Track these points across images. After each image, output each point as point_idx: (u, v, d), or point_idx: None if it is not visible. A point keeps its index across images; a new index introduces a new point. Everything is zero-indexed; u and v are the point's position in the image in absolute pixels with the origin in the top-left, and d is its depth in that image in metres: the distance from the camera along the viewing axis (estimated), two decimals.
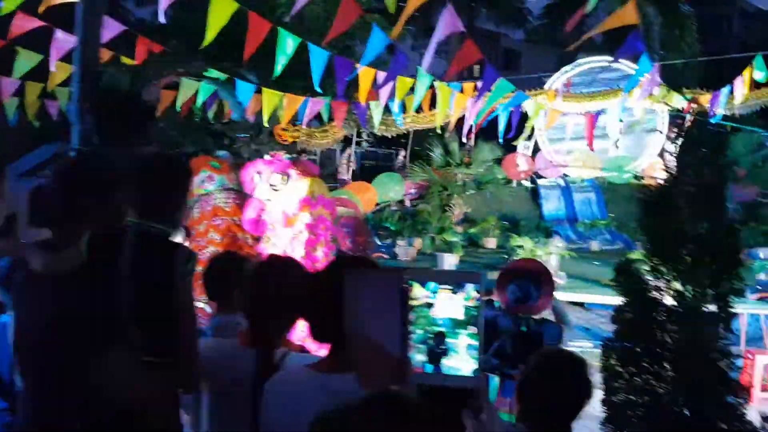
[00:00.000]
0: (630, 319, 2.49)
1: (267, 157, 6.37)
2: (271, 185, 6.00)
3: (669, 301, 2.41)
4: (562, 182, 17.62)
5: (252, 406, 2.05)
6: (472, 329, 1.47)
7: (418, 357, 1.50)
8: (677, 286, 2.33)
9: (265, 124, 7.95)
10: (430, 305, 1.51)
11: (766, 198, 15.41)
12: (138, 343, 1.93)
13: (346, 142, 18.13)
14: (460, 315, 1.49)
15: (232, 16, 5.00)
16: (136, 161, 2.19)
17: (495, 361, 3.73)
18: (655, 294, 2.40)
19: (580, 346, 9.22)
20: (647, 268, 2.43)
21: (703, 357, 2.22)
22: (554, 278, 8.59)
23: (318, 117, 9.53)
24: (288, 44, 5.76)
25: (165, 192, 2.17)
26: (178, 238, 5.81)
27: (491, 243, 14.35)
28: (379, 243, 11.23)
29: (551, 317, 4.16)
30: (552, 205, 17.17)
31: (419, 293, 1.51)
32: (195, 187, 7.60)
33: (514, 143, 13.90)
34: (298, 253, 5.89)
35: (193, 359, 2.08)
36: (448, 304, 1.50)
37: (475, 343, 1.47)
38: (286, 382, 2.05)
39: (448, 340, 1.49)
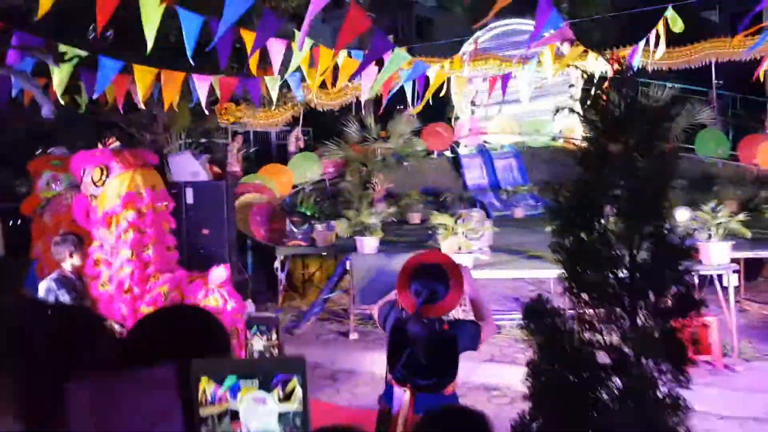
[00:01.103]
0: (546, 387, 1.76)
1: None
2: (92, 180, 5.42)
3: (604, 357, 1.73)
4: (482, 150, 17.37)
5: None
6: None
7: None
8: (612, 337, 1.73)
9: (141, 104, 7.10)
10: (232, 414, 0.93)
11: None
12: None
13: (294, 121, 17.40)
14: (277, 426, 0.92)
15: None
16: None
17: (403, 373, 3.20)
18: (582, 348, 1.71)
19: (512, 318, 8.99)
20: (569, 310, 1.83)
21: None
22: (479, 256, 8.28)
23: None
24: (151, 10, 4.96)
25: None
26: (69, 256, 5.06)
27: (416, 218, 13.95)
28: (295, 230, 10.59)
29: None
30: (474, 174, 16.92)
31: (213, 394, 0.93)
32: (41, 190, 6.84)
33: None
34: (124, 255, 5.37)
35: None
36: (257, 410, 0.92)
37: None
38: None
39: None
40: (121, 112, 8.70)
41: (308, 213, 10.91)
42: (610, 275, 1.71)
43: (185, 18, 5.30)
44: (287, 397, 0.91)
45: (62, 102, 8.40)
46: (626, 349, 1.70)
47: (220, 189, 9.28)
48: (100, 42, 6.02)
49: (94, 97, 7.00)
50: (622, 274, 1.72)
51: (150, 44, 5.15)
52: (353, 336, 8.45)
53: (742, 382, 6.45)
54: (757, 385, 6.35)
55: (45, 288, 4.99)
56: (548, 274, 8.46)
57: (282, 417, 0.91)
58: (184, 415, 0.92)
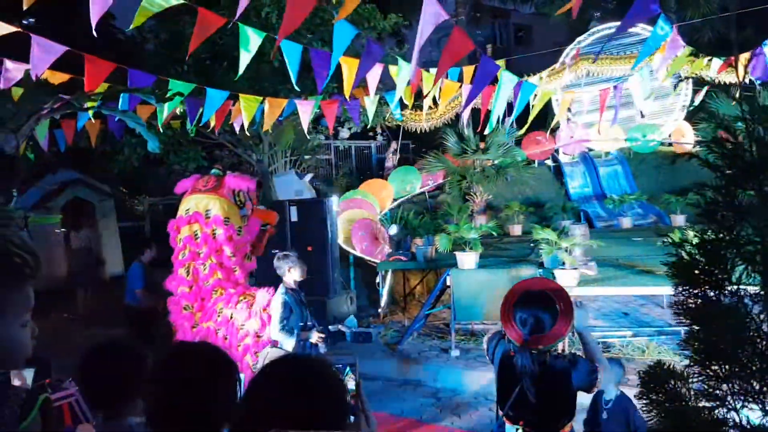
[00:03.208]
0: None
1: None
2: None
3: None
4: (585, 157, 16.79)
5: None
6: None
7: None
8: (749, 415, 1.50)
9: (247, 131, 7.38)
10: None
11: None
12: None
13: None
14: None
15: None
16: None
17: (515, 410, 3.07)
18: (714, 428, 1.47)
19: (621, 336, 8.58)
20: (696, 380, 1.60)
21: None
22: (585, 272, 7.97)
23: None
24: (251, 40, 5.18)
25: None
26: (288, 271, 5.39)
27: (517, 230, 13.68)
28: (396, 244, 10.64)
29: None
30: (577, 183, 16.38)
31: None
32: None
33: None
34: (181, 273, 5.70)
35: None
36: None
37: None
38: None
39: None
40: (216, 133, 9.09)
41: (408, 227, 10.90)
42: (746, 345, 1.50)
43: (286, 47, 5.48)
44: None
45: (172, 126, 8.88)
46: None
47: (322, 206, 9.50)
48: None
49: (201, 124, 7.35)
50: (759, 342, 1.51)
51: (241, 70, 5.37)
52: (455, 353, 8.36)
53: None
54: None
55: (281, 302, 5.38)
56: (660, 290, 8.01)
57: None
58: None
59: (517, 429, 3.06)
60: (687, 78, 13.28)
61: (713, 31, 16.51)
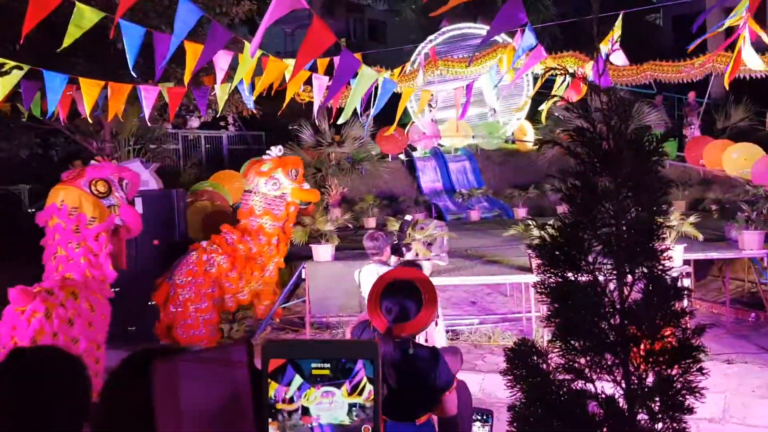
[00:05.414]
0: None
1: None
2: None
3: (595, 408, 1.60)
4: (436, 153, 17.42)
5: None
6: None
7: None
8: (604, 387, 1.63)
9: (89, 118, 6.84)
10: (303, 409, 0.96)
11: None
12: None
13: None
14: (347, 419, 0.96)
15: None
16: None
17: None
18: (572, 398, 1.57)
19: (469, 323, 8.97)
20: (557, 355, 1.72)
21: None
22: (437, 263, 8.24)
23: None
24: (86, 17, 4.81)
25: None
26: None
27: (371, 223, 13.88)
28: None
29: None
30: (429, 177, 16.97)
31: (280, 396, 0.97)
32: None
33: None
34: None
35: None
36: (327, 405, 0.95)
37: None
38: None
39: None
40: (64, 122, 8.35)
41: None
42: (601, 320, 1.60)
43: (127, 29, 5.15)
44: (356, 389, 0.96)
45: (1, 110, 8.03)
46: (619, 400, 1.61)
47: (171, 198, 9.02)
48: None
49: (47, 116, 6.73)
50: (613, 317, 1.62)
51: (66, 43, 4.96)
52: None
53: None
54: (710, 387, 6.42)
55: None
56: (506, 279, 8.49)
57: (352, 408, 0.96)
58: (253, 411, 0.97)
59: None
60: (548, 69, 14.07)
61: (551, 38, 17.75)
